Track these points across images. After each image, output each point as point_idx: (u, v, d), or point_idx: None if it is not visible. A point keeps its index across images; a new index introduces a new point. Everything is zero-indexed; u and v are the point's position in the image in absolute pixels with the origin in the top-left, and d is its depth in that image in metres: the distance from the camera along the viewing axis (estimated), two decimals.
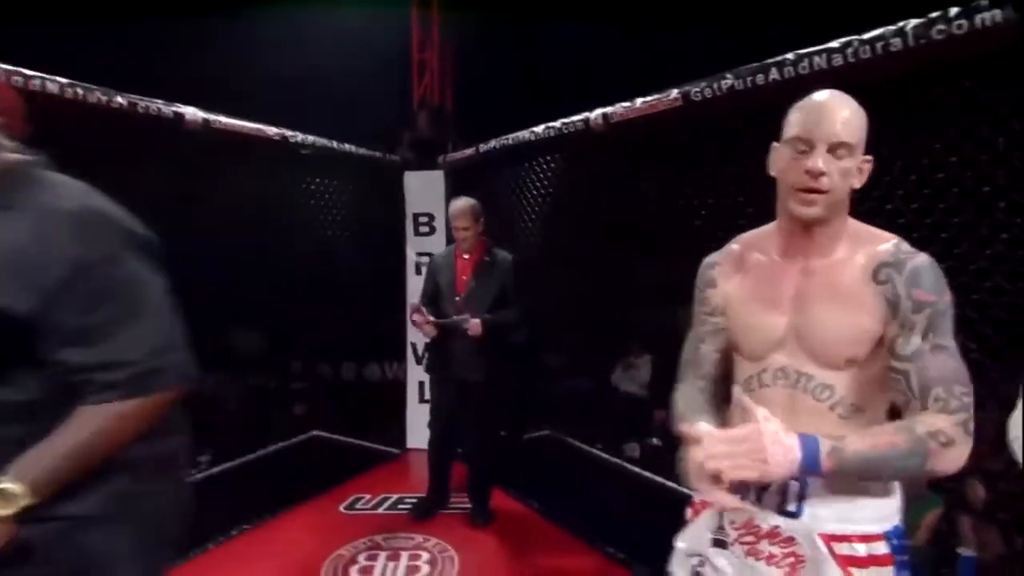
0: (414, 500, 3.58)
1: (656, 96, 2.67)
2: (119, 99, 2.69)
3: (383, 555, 3.04)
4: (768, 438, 1.01)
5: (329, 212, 4.47)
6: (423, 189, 4.43)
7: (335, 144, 3.89)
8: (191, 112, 3.02)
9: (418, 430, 4.23)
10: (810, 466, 1.02)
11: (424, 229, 4.43)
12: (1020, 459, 1.43)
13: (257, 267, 4.37)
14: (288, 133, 3.55)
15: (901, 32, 1.93)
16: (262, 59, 6.71)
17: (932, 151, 2.00)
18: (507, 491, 3.67)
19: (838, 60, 2.08)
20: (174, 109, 2.94)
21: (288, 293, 4.69)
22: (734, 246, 1.36)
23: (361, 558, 3.01)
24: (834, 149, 1.12)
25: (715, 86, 2.42)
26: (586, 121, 3.02)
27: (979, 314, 2.05)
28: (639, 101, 2.74)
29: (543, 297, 3.81)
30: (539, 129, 3.37)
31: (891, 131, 2.18)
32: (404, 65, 6.30)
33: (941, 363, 1.08)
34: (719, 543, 1.28)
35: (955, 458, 1.05)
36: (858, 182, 1.17)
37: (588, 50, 6.33)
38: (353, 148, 4.04)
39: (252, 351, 5.80)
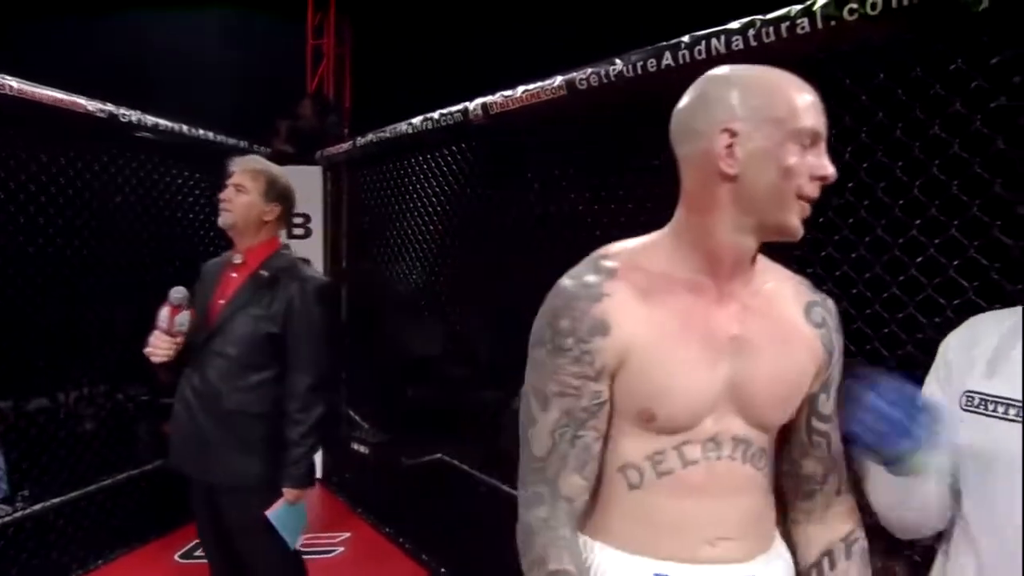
0: None
1: (539, 84, 2.30)
2: None
3: None
4: None
5: (185, 209, 3.87)
6: (298, 186, 3.92)
7: (185, 129, 3.28)
8: None
9: None
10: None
11: (298, 231, 3.94)
12: None
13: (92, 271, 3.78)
14: (119, 111, 2.88)
15: (808, 11, 1.64)
16: (137, 33, 6.03)
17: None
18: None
19: (738, 43, 1.77)
20: None
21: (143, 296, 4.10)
22: (614, 264, 0.90)
23: None
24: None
25: (602, 73, 2.07)
26: (464, 112, 2.63)
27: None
28: (520, 90, 2.38)
29: (427, 311, 3.39)
30: (416, 121, 2.96)
31: None
32: (298, 53, 5.80)
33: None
34: None
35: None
36: None
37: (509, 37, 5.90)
38: (210, 135, 3.46)
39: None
